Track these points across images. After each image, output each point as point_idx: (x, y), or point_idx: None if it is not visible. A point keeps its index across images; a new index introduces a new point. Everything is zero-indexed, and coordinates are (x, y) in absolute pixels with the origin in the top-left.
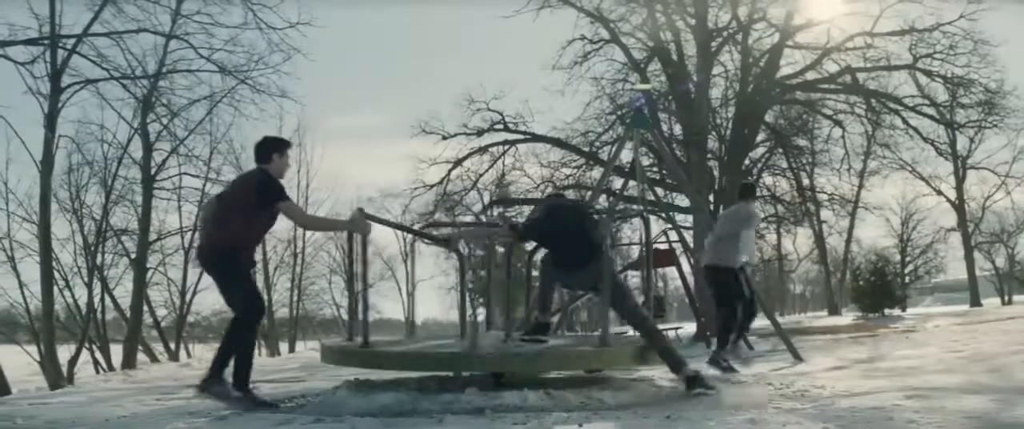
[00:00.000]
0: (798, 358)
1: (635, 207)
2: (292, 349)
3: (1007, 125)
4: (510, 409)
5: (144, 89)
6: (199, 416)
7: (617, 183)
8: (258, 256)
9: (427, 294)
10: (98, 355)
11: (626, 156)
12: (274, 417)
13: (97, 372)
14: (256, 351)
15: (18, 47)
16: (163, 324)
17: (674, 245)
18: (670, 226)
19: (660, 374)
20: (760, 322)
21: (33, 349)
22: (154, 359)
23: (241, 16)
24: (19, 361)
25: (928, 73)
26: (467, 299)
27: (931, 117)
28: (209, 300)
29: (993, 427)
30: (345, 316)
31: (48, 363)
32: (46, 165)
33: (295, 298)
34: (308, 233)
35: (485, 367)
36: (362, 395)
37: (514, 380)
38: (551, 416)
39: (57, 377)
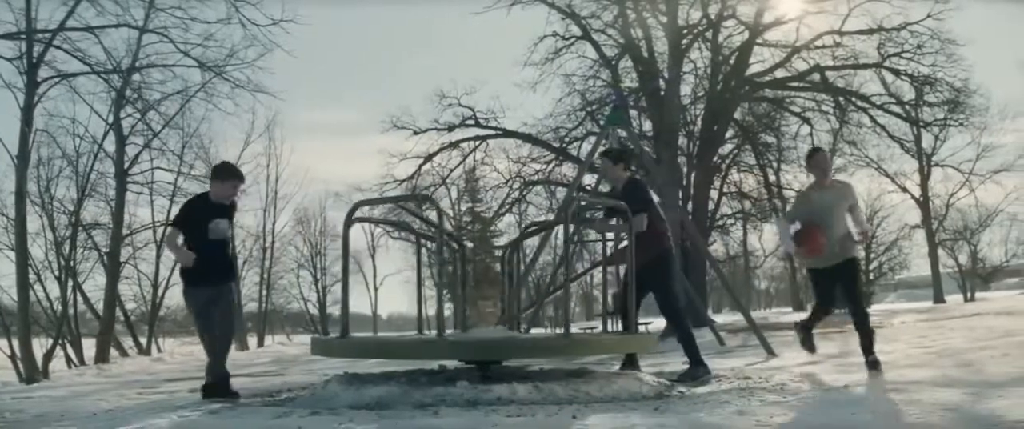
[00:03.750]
0: (771, 353)
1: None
2: (260, 343)
3: (972, 123)
4: (502, 402)
5: (119, 83)
6: (188, 409)
7: (587, 179)
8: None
9: (393, 289)
10: (70, 350)
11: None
12: (270, 411)
13: (69, 366)
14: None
15: None
16: (132, 318)
17: None
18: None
19: (643, 367)
20: (733, 317)
21: (3, 343)
22: (124, 354)
23: (217, 11)
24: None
25: (895, 72)
26: (446, 294)
27: (898, 115)
28: (179, 294)
29: (970, 418)
30: (313, 310)
31: (24, 357)
32: (22, 159)
33: (264, 293)
34: (277, 227)
35: (519, 355)
36: (354, 388)
37: (501, 374)
38: (543, 408)
39: (33, 371)
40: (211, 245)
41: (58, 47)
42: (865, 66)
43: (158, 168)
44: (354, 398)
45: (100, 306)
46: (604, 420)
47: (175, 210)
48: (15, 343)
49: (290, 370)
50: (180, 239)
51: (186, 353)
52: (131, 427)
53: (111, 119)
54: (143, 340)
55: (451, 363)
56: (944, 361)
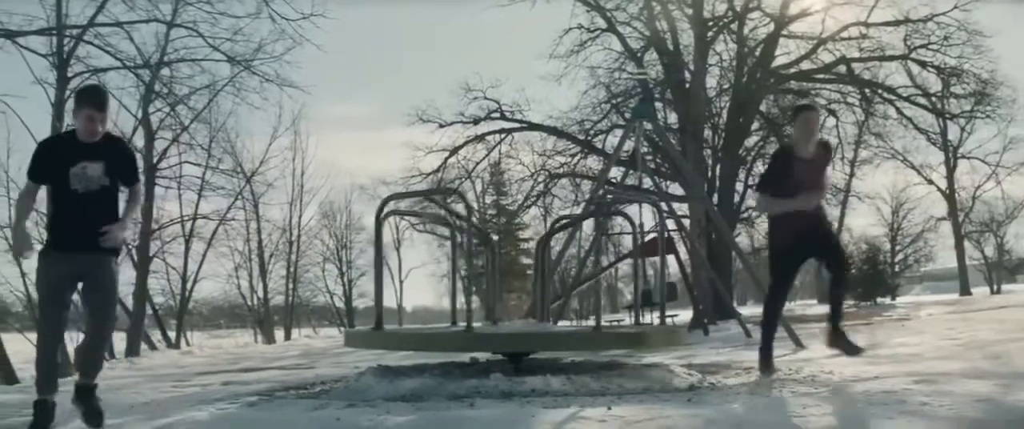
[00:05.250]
0: (799, 345)
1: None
2: (288, 336)
3: (998, 115)
4: (536, 393)
5: (148, 78)
6: (224, 402)
7: (614, 172)
8: (254, 243)
9: (418, 282)
10: None
11: (628, 146)
12: (306, 403)
13: None
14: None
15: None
16: (159, 312)
17: (672, 233)
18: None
19: (671, 360)
20: (758, 309)
21: (34, 337)
22: (153, 347)
23: (246, 5)
24: (14, 349)
25: (921, 63)
26: (472, 287)
27: (924, 107)
28: (207, 288)
29: (1003, 410)
30: (339, 303)
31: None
32: None
33: (290, 286)
34: (303, 221)
35: (557, 347)
36: (388, 381)
37: (533, 366)
38: (577, 400)
39: (67, 365)
40: (77, 199)
41: (89, 42)
42: (891, 58)
43: (186, 162)
44: (389, 390)
45: (129, 301)
46: (638, 411)
47: (204, 205)
48: None
49: (320, 363)
50: (35, 197)
51: (214, 346)
52: (171, 420)
53: (140, 114)
54: (171, 334)
55: (482, 356)
56: (973, 353)
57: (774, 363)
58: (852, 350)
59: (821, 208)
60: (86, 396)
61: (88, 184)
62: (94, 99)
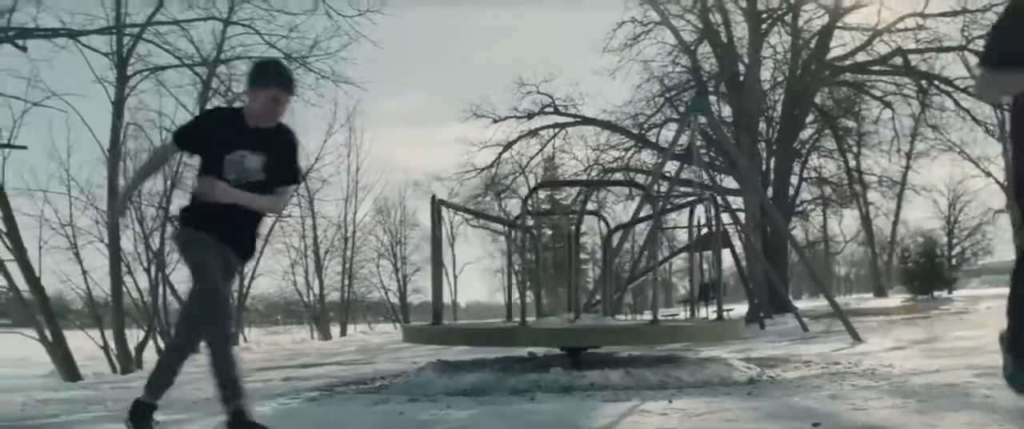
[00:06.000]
0: (857, 338)
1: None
2: (343, 332)
3: None
4: (595, 387)
5: (205, 75)
6: (286, 397)
7: (669, 166)
8: (309, 240)
9: (472, 277)
10: (160, 340)
11: (683, 140)
12: (367, 398)
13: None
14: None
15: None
16: None
17: (728, 227)
18: (723, 208)
19: (729, 354)
20: (814, 303)
21: (95, 334)
22: None
23: (302, 2)
24: (75, 346)
25: (979, 54)
26: (525, 282)
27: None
28: (264, 284)
29: None
30: (393, 299)
31: (119, 348)
32: (114, 153)
33: (346, 282)
34: (358, 217)
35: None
36: (447, 376)
37: (591, 360)
38: (637, 393)
39: (127, 362)
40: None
41: (148, 41)
42: (948, 49)
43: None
44: (449, 385)
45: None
46: (699, 404)
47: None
48: (107, 334)
49: (378, 358)
50: (167, 162)
51: (271, 342)
52: None
53: (198, 111)
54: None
55: (540, 350)
56: None
57: None
58: None
59: None
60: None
61: (242, 176)
62: (282, 78)
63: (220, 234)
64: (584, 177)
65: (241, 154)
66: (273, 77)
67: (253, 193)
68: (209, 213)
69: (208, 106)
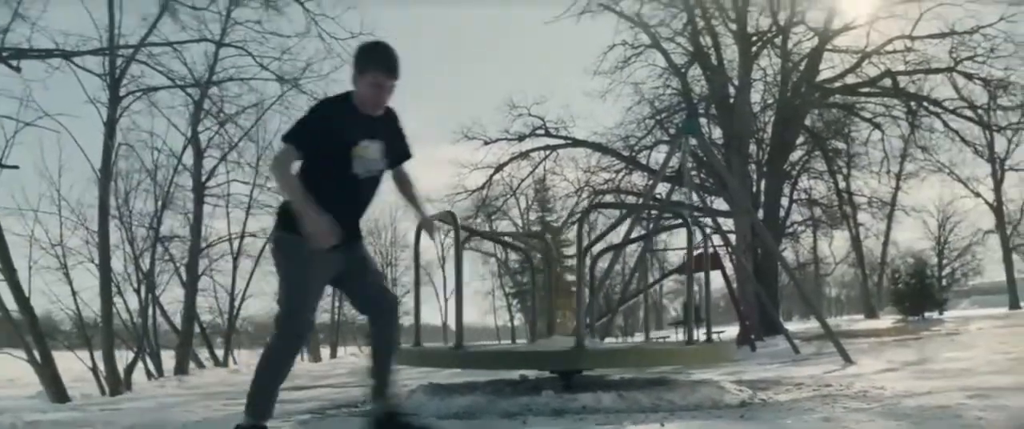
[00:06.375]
0: (848, 360)
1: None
2: (334, 354)
3: None
4: (588, 410)
5: (198, 96)
6: (278, 420)
7: (661, 188)
8: None
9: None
10: (149, 362)
11: (673, 161)
12: (359, 421)
13: (149, 378)
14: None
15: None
16: (206, 330)
17: (719, 249)
18: (714, 230)
19: (721, 377)
20: (805, 325)
21: (84, 354)
22: (201, 365)
23: (295, 24)
24: (65, 367)
25: (968, 75)
26: (508, 305)
27: (970, 119)
28: (254, 306)
29: None
30: None
31: (108, 369)
32: (105, 173)
33: (336, 304)
34: None
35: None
36: (439, 398)
37: (583, 383)
38: (629, 416)
39: (117, 383)
40: (356, 186)
41: (141, 62)
42: (937, 70)
43: (235, 180)
44: (441, 408)
45: (177, 319)
46: (691, 427)
47: (252, 223)
48: (96, 355)
49: (369, 380)
50: (295, 166)
51: None
52: None
53: (190, 133)
54: (219, 352)
55: (531, 373)
56: None
57: None
58: None
59: None
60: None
61: (368, 168)
62: (386, 62)
63: (342, 236)
64: (576, 198)
65: (364, 145)
66: (372, 62)
67: (375, 185)
68: (338, 216)
69: (199, 128)
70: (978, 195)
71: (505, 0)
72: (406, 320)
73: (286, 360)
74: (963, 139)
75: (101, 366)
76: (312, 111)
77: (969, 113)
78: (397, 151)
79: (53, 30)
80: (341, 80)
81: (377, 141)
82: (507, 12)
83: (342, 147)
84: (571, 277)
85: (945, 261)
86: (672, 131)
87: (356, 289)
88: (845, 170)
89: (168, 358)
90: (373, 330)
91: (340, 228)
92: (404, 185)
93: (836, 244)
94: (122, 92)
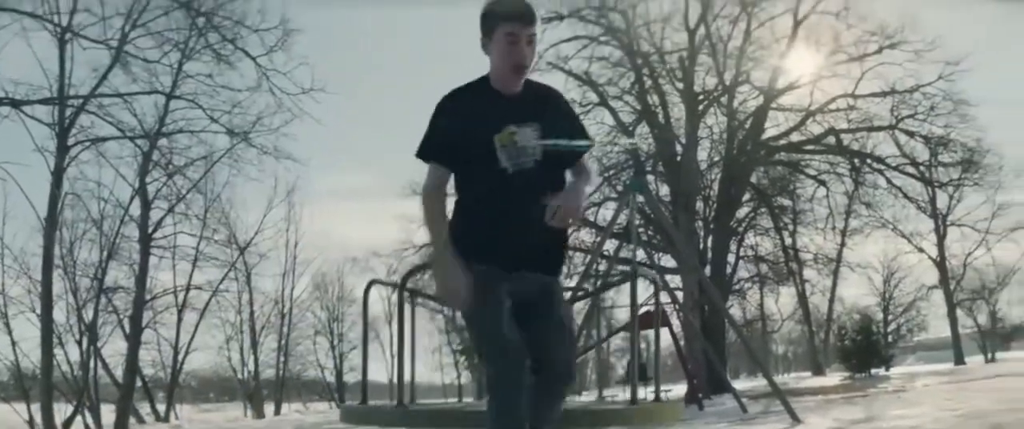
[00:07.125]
0: (796, 419)
1: (643, 269)
2: (277, 411)
3: (986, 182)
4: None
5: (146, 147)
6: None
7: (608, 245)
8: (245, 315)
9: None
10: (88, 416)
11: (621, 219)
12: None
13: None
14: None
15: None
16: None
17: (666, 306)
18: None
19: None
20: (752, 382)
21: (21, 407)
22: (141, 421)
23: (246, 78)
24: (0, 419)
25: (909, 133)
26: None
27: (912, 176)
28: (198, 360)
29: None
30: (330, 378)
31: (46, 423)
32: (50, 222)
33: (281, 359)
34: (295, 293)
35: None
36: None
37: None
38: None
39: None
40: (507, 183)
41: (90, 112)
42: (879, 128)
43: (181, 232)
44: None
45: (118, 372)
46: None
47: (198, 276)
48: (34, 408)
49: None
50: (446, 192)
51: (203, 421)
52: None
53: (137, 184)
54: (161, 407)
55: None
56: (972, 423)
57: None
58: None
59: None
60: None
61: (518, 159)
62: (516, 6)
63: (508, 258)
64: None
65: (511, 130)
66: (500, 11)
67: (534, 180)
68: (493, 228)
69: (148, 179)
70: (921, 250)
71: (456, 57)
72: (352, 377)
73: (507, 386)
74: (906, 195)
75: (38, 419)
76: (440, 107)
77: (911, 170)
78: (565, 138)
79: (3, 78)
80: (292, 134)
81: (529, 124)
82: (458, 70)
83: (481, 141)
84: None
85: (890, 317)
86: (620, 188)
87: (532, 334)
88: (791, 227)
89: (108, 412)
90: (532, 393)
91: (509, 251)
92: (577, 173)
93: (783, 301)
94: (70, 141)
